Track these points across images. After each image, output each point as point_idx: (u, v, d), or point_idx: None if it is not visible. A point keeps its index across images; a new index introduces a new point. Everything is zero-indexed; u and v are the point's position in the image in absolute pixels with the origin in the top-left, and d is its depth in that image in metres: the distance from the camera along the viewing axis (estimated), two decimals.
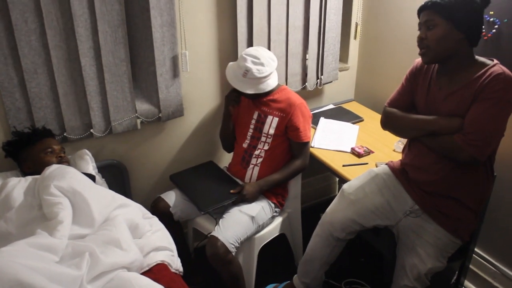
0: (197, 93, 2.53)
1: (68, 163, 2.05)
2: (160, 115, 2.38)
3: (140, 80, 2.38)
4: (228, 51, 2.53)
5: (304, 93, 2.83)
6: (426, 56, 1.80)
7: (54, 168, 1.87)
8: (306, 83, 2.80)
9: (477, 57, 1.79)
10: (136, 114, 2.33)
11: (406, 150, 2.04)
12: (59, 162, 1.99)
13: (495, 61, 1.75)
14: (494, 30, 2.13)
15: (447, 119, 1.80)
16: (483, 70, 1.72)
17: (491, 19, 2.12)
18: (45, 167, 1.90)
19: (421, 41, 1.78)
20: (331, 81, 2.94)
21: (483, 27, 2.12)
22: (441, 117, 1.82)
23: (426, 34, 1.75)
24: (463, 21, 1.69)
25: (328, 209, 2.15)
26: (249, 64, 2.18)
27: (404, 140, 2.10)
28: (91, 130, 2.23)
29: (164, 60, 2.28)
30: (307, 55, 2.74)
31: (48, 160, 1.98)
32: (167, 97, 2.36)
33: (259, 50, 2.26)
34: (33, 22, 1.93)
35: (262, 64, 2.19)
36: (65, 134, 2.19)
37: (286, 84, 2.72)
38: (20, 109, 2.06)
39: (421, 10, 1.78)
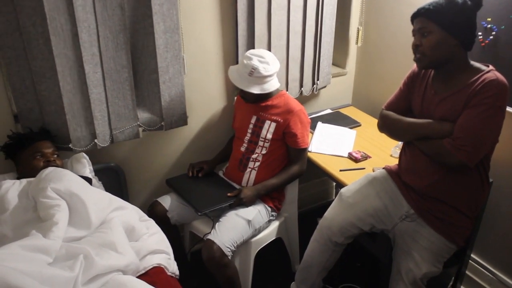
0: (197, 98, 2.53)
1: (60, 166, 2.04)
2: (162, 123, 2.34)
3: (141, 88, 2.31)
4: (228, 55, 2.52)
5: (302, 97, 2.84)
6: (421, 62, 1.80)
7: (50, 171, 1.86)
8: (302, 88, 2.80)
9: (472, 62, 1.79)
10: (138, 123, 2.28)
11: (402, 154, 2.05)
12: (49, 166, 1.97)
13: (490, 67, 1.75)
14: (491, 37, 2.14)
15: (439, 123, 1.80)
16: (477, 76, 1.72)
17: (489, 26, 2.13)
18: (33, 171, 1.90)
19: (416, 48, 1.78)
20: (325, 86, 2.94)
21: (480, 33, 2.15)
22: (434, 121, 1.83)
23: (421, 41, 1.75)
24: (457, 28, 1.70)
25: (326, 214, 2.15)
26: (256, 63, 2.19)
27: (401, 145, 2.10)
28: (95, 141, 2.18)
29: (167, 67, 2.24)
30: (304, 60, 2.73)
31: (36, 164, 1.95)
32: (170, 106, 2.33)
33: (261, 50, 2.29)
34: (40, 25, 1.90)
35: (267, 63, 2.21)
36: (70, 145, 2.14)
37: (287, 90, 2.72)
38: (31, 110, 2.04)
39: (414, 17, 1.78)
